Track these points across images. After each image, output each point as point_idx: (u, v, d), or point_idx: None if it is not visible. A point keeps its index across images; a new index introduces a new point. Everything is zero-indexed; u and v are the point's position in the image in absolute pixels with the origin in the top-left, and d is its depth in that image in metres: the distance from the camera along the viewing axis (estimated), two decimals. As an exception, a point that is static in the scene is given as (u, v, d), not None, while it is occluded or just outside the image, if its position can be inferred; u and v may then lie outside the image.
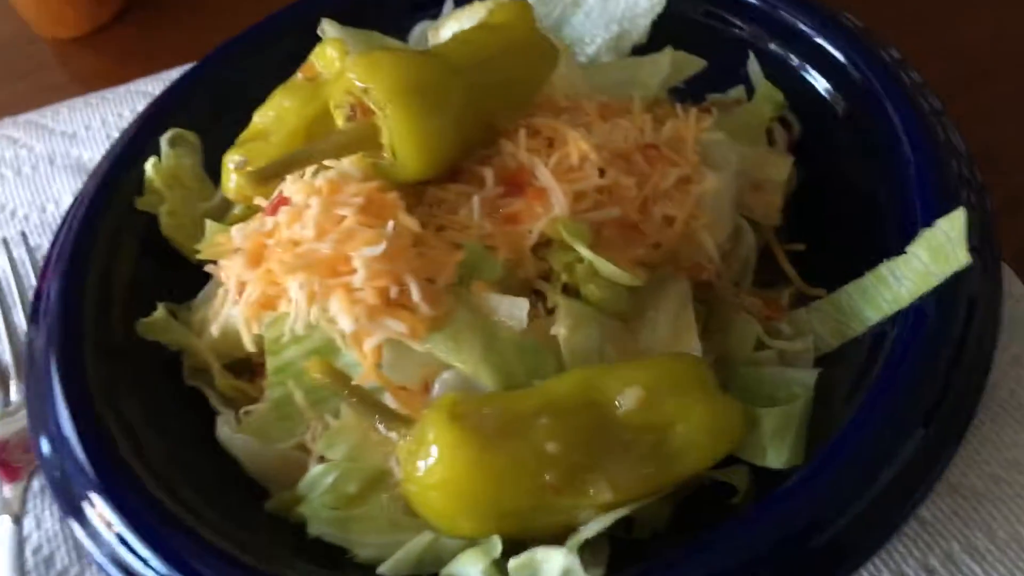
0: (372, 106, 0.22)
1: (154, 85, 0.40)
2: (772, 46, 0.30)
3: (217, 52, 0.32)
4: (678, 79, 0.29)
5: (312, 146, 0.24)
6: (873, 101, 0.26)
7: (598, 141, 0.23)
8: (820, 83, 0.28)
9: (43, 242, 0.34)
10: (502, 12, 0.25)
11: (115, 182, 0.29)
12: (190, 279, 0.29)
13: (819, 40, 0.28)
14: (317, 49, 0.28)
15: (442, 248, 0.22)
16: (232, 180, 0.27)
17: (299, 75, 0.29)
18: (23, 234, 0.34)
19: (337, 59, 0.27)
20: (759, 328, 0.24)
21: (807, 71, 0.29)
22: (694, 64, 0.29)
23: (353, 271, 0.21)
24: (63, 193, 0.36)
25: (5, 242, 0.34)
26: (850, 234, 0.26)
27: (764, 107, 0.28)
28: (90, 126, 0.38)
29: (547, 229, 0.22)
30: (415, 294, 0.21)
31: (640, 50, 0.31)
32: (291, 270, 0.22)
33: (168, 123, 0.30)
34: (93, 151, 0.37)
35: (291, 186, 0.24)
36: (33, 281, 0.32)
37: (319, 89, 0.27)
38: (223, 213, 0.29)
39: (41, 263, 0.33)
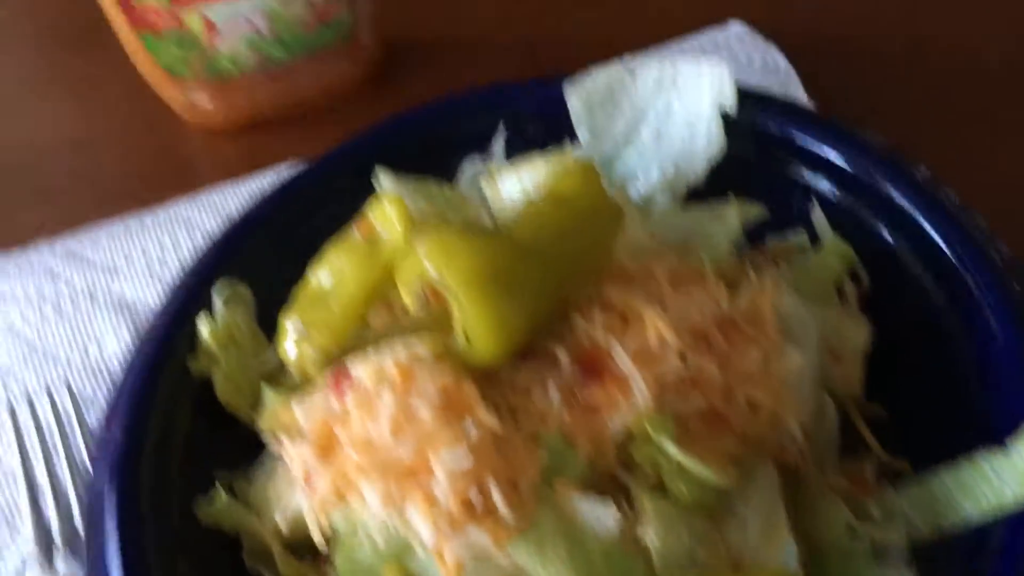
0: (444, 292, 0.22)
1: (192, 210, 0.39)
2: (834, 192, 0.29)
3: (266, 198, 0.32)
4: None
5: (383, 328, 0.23)
6: (947, 262, 0.26)
7: (675, 318, 0.23)
8: (886, 234, 0.28)
9: (85, 386, 0.34)
10: (569, 178, 0.25)
11: (169, 345, 0.28)
12: (244, 440, 0.28)
13: (885, 189, 0.28)
14: (375, 205, 0.28)
15: (522, 445, 0.21)
16: (291, 348, 0.27)
17: (355, 232, 0.28)
18: (68, 384, 0.33)
19: (397, 221, 0.27)
20: (847, 512, 0.23)
21: (872, 221, 0.28)
22: (755, 213, 0.29)
23: (433, 475, 0.20)
24: (105, 333, 0.35)
25: (48, 391, 0.33)
26: (930, 400, 0.25)
27: (833, 261, 0.27)
28: (130, 257, 0.37)
29: (631, 423, 0.22)
30: (498, 500, 0.20)
31: (697, 191, 0.31)
32: (367, 473, 0.21)
33: (220, 273, 0.30)
34: (135, 286, 0.36)
35: (359, 366, 0.23)
36: (79, 435, 0.31)
37: (378, 251, 0.27)
38: (278, 373, 0.29)
39: (86, 412, 0.32)
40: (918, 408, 0.26)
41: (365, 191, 0.32)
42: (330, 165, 0.33)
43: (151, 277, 0.37)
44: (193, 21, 0.39)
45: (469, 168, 0.33)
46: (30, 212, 0.43)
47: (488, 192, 0.29)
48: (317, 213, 0.32)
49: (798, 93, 0.39)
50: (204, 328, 0.28)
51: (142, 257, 0.37)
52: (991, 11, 0.44)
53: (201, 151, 0.45)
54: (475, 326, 0.22)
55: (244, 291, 0.30)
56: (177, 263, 0.37)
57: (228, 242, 0.31)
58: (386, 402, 0.22)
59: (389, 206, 0.27)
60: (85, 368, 0.34)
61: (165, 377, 0.27)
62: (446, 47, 0.46)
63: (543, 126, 0.33)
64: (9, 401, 0.33)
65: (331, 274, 0.27)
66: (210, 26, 0.40)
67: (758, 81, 0.39)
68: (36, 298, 0.37)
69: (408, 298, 0.23)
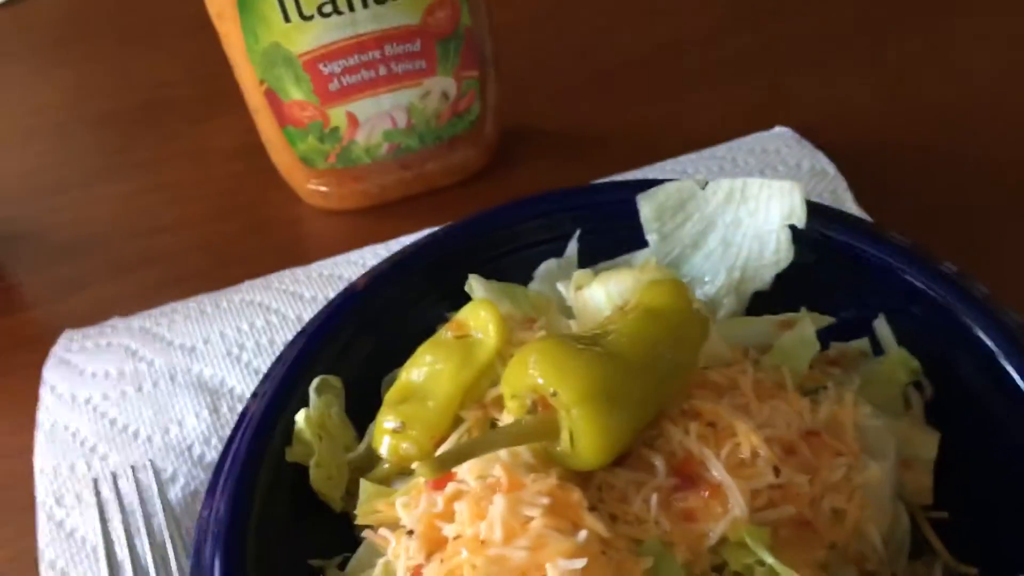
0: (555, 404, 0.24)
1: (265, 295, 0.41)
2: (894, 302, 0.31)
3: (349, 294, 0.34)
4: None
5: (491, 435, 0.25)
6: (1005, 373, 0.28)
7: (764, 430, 0.24)
8: (946, 344, 0.30)
9: (166, 464, 0.35)
10: (660, 294, 0.27)
11: (268, 434, 0.29)
12: (335, 527, 0.29)
13: (944, 300, 0.30)
14: (468, 309, 0.30)
15: (626, 552, 0.23)
16: (389, 443, 0.28)
17: (448, 332, 0.30)
18: (151, 463, 0.34)
19: (492, 326, 0.28)
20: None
21: (932, 331, 0.30)
22: (826, 323, 0.30)
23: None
24: (186, 414, 0.36)
25: (132, 468, 0.34)
26: (995, 506, 0.27)
27: (899, 370, 0.29)
28: (209, 340, 0.39)
29: (727, 531, 0.23)
30: (608, 603, 0.21)
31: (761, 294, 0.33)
32: (479, 572, 0.22)
33: (312, 365, 0.31)
34: (214, 368, 0.38)
35: (466, 468, 0.25)
36: (160, 512, 0.33)
37: (473, 354, 0.28)
38: (368, 463, 0.30)
39: (168, 491, 0.34)
40: (983, 514, 0.27)
41: (446, 288, 0.35)
42: (412, 262, 0.35)
43: (229, 359, 0.38)
44: (338, 116, 0.42)
45: (545, 269, 0.35)
46: (106, 287, 0.45)
47: (572, 298, 0.31)
48: (400, 308, 0.34)
49: (846, 198, 0.41)
50: (301, 419, 0.30)
51: (220, 342, 0.39)
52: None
53: (315, 229, 0.47)
54: (584, 436, 0.23)
55: (335, 383, 0.31)
56: (254, 345, 0.39)
57: (320, 336, 0.32)
58: (498, 505, 0.23)
59: (484, 312, 0.29)
60: (166, 446, 0.36)
61: (265, 465, 0.29)
62: (552, 136, 0.50)
63: (615, 229, 0.35)
64: (93, 477, 0.34)
65: (426, 372, 0.29)
66: (352, 120, 0.42)
67: (808, 185, 0.42)
68: (117, 377, 0.38)
69: (514, 405, 0.25)
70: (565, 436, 0.24)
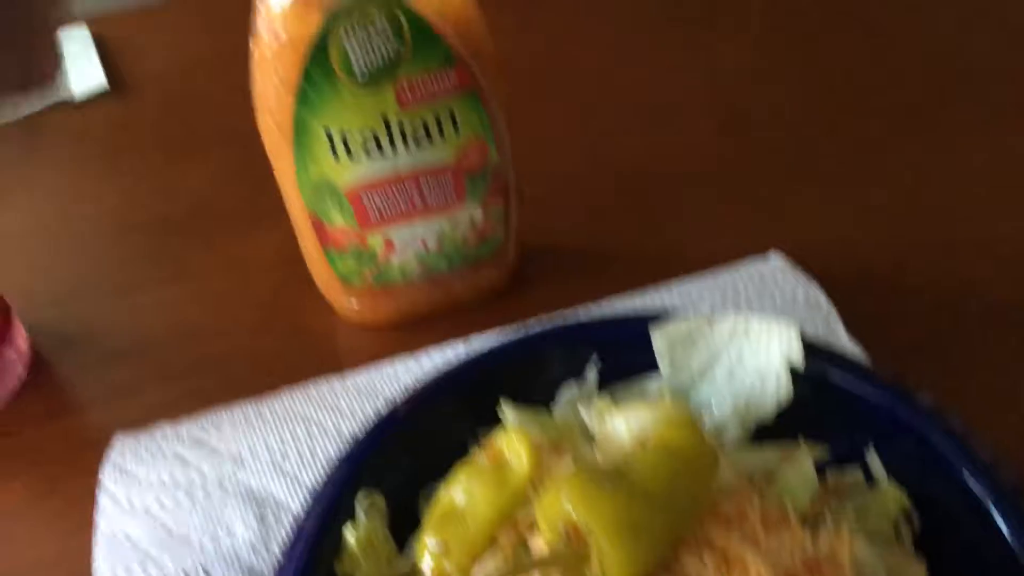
0: (587, 534, 0.27)
1: (305, 406, 0.45)
2: (885, 437, 0.35)
3: (390, 417, 0.37)
4: (807, 465, 0.34)
5: (528, 560, 0.28)
6: (986, 510, 0.31)
7: (771, 561, 0.28)
8: (931, 478, 0.33)
9: (217, 573, 0.38)
10: (677, 431, 0.30)
11: (318, 549, 0.33)
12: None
13: (929, 438, 0.33)
14: (502, 436, 0.33)
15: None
16: (431, 563, 0.31)
17: (483, 457, 0.33)
18: (205, 570, 0.37)
19: (525, 454, 0.32)
20: None
21: (918, 465, 0.33)
22: (821, 454, 0.34)
23: None
24: (234, 522, 0.39)
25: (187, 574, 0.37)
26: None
27: (890, 504, 0.32)
28: (254, 449, 0.42)
29: (740, 655, 0.26)
30: None
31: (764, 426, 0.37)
32: None
33: (359, 481, 0.35)
34: (260, 478, 0.41)
35: (503, 591, 0.28)
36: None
37: (508, 479, 0.32)
38: (408, 578, 0.33)
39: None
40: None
41: (477, 408, 0.38)
42: (446, 386, 0.38)
43: (273, 468, 0.41)
44: (376, 241, 0.46)
45: (567, 393, 0.38)
46: (155, 392, 0.49)
47: (594, 426, 0.34)
48: (435, 428, 0.38)
49: (838, 329, 0.45)
50: (350, 535, 0.33)
51: (265, 450, 0.42)
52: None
53: (348, 340, 0.51)
54: (613, 565, 0.26)
55: (380, 500, 0.35)
56: (296, 456, 0.42)
57: (365, 456, 0.36)
58: (536, 627, 0.26)
59: (517, 440, 0.33)
60: (217, 555, 0.38)
61: (318, 578, 0.32)
62: (563, 256, 0.55)
63: (631, 356, 0.39)
64: (150, 583, 0.37)
65: (464, 495, 0.32)
66: (389, 244, 0.47)
67: (802, 317, 0.46)
68: (170, 484, 0.41)
69: (548, 532, 0.28)
70: (595, 563, 0.27)
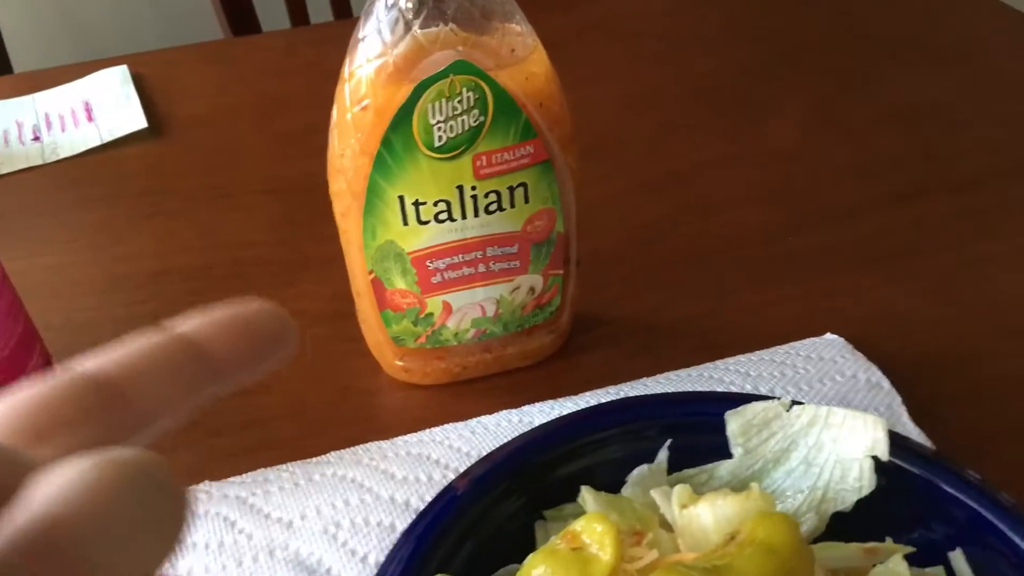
0: (691, 639, 0.26)
1: (356, 471, 0.43)
2: (968, 535, 0.34)
3: (450, 497, 0.36)
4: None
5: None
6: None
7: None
8: (1018, 579, 0.33)
9: (268, 645, 0.36)
10: (773, 528, 0.29)
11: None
12: None
13: (1012, 539, 0.33)
14: (584, 522, 0.32)
15: None
16: (511, 651, 0.30)
17: (561, 543, 0.32)
18: (259, 643, 0.36)
19: (609, 541, 0.31)
20: None
21: (1005, 569, 0.33)
22: (905, 551, 0.33)
23: None
24: (287, 592, 0.38)
25: (239, 649, 0.36)
26: None
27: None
28: (305, 516, 0.41)
29: None
30: None
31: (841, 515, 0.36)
32: None
33: (424, 569, 0.34)
34: (312, 545, 0.40)
35: None
36: None
37: (589, 566, 0.31)
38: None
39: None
40: None
41: (538, 489, 0.37)
42: (507, 465, 0.37)
43: (325, 537, 0.40)
44: (434, 304, 0.46)
45: (638, 475, 0.38)
46: (197, 447, 0.48)
47: (676, 515, 0.34)
48: (496, 509, 0.37)
49: (901, 412, 0.44)
50: (425, 619, 0.32)
51: (317, 518, 0.41)
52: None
53: (396, 401, 0.50)
54: (719, 672, 0.25)
55: (451, 582, 0.34)
56: (349, 524, 0.41)
57: (427, 537, 0.35)
58: None
59: (600, 526, 0.32)
60: (268, 626, 0.37)
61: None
62: (616, 325, 0.54)
63: (700, 439, 0.38)
64: (199, 656, 0.36)
65: (545, 582, 0.31)
66: (447, 308, 0.46)
67: (864, 398, 0.45)
68: (217, 549, 0.40)
69: (644, 629, 0.27)
70: (697, 668, 0.26)
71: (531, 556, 0.33)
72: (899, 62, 0.80)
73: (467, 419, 0.47)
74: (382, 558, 0.39)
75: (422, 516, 0.35)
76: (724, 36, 0.86)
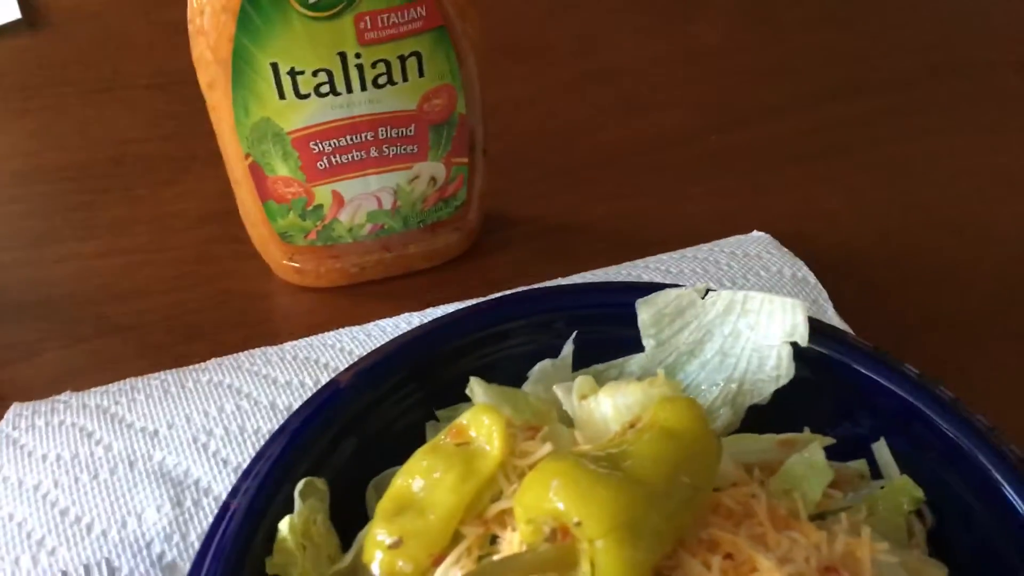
0: (577, 534, 0.23)
1: (235, 376, 0.39)
2: (892, 426, 0.31)
3: (333, 389, 0.32)
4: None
5: (504, 562, 0.23)
6: (1005, 498, 0.28)
7: (785, 566, 0.24)
8: (942, 470, 0.30)
9: (122, 563, 0.32)
10: (677, 413, 0.26)
11: (247, 542, 0.27)
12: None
13: (946, 431, 0.30)
14: (470, 415, 0.29)
15: None
16: (381, 558, 0.26)
17: (446, 438, 0.29)
18: (107, 561, 0.32)
19: (497, 436, 0.27)
20: None
21: (932, 459, 0.30)
22: (824, 443, 0.30)
23: None
24: (146, 506, 0.34)
25: (87, 568, 0.31)
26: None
27: (903, 500, 0.29)
28: (173, 424, 0.37)
29: (753, 675, 0.22)
30: None
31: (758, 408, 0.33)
32: None
33: (297, 466, 0.30)
34: (178, 456, 0.35)
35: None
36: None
37: (475, 462, 0.27)
38: (351, 574, 0.28)
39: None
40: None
41: (433, 385, 0.34)
42: (399, 358, 0.33)
43: (195, 446, 0.36)
44: (323, 194, 0.41)
45: (540, 370, 0.34)
46: (58, 356, 0.43)
47: (575, 407, 0.30)
48: (385, 406, 0.33)
49: (827, 308, 0.42)
50: (285, 527, 0.28)
51: (185, 425, 0.37)
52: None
53: (286, 306, 0.46)
54: (608, 570, 0.22)
55: (321, 485, 0.30)
56: (223, 432, 0.36)
57: (304, 432, 0.30)
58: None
59: (487, 419, 0.28)
60: (122, 542, 0.33)
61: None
62: (529, 225, 0.50)
63: (609, 331, 0.34)
64: (39, 575, 0.32)
65: (424, 482, 0.28)
66: (337, 199, 0.41)
67: (788, 293, 0.42)
68: (70, 461, 0.35)
69: (528, 529, 0.24)
70: (586, 568, 0.22)
71: (415, 453, 0.29)
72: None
73: (364, 323, 0.43)
74: (256, 467, 0.35)
75: (299, 411, 0.31)
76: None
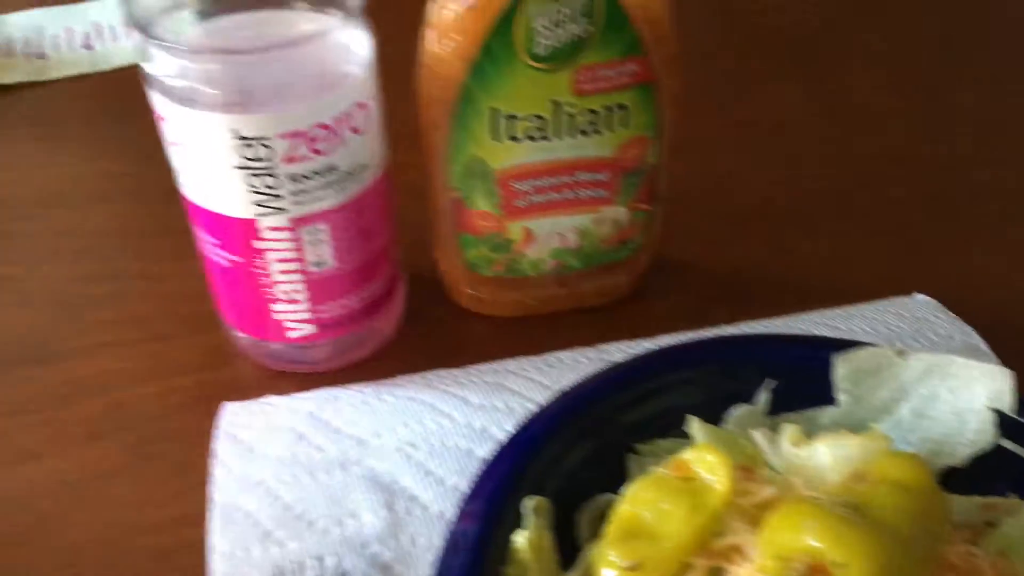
0: (835, 573, 0.24)
1: (429, 395, 0.42)
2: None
3: (554, 413, 0.34)
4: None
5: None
6: None
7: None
8: None
9: (344, 562, 0.35)
10: (906, 467, 0.28)
11: (485, 552, 0.30)
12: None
13: None
14: (694, 452, 0.31)
15: None
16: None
17: (669, 472, 0.31)
18: (338, 559, 0.34)
19: (723, 475, 0.29)
20: None
21: None
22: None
23: None
24: (361, 508, 0.37)
25: (320, 562, 0.34)
26: None
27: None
28: (380, 434, 0.40)
29: None
30: None
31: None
32: None
33: (522, 486, 0.32)
34: (387, 464, 0.38)
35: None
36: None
37: (702, 497, 0.29)
38: (576, 590, 0.31)
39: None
40: None
41: (636, 419, 0.36)
42: (605, 388, 0.36)
43: (401, 456, 0.39)
44: (515, 230, 0.44)
45: (737, 415, 0.36)
46: (248, 366, 0.46)
47: (788, 453, 0.32)
48: (594, 434, 0.35)
49: (999, 377, 0.42)
50: (522, 539, 0.30)
51: (392, 437, 0.39)
52: None
53: (464, 330, 0.48)
54: (863, 609, 0.24)
55: (545, 504, 0.32)
56: (427, 446, 0.39)
57: (529, 453, 0.33)
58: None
59: (712, 457, 0.30)
60: (343, 540, 0.36)
61: (485, 584, 0.29)
62: (694, 271, 0.52)
63: (802, 383, 0.36)
64: (275, 564, 0.34)
65: (654, 511, 0.30)
66: (528, 235, 0.44)
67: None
68: (290, 460, 0.38)
69: (775, 565, 0.25)
70: (834, 606, 0.24)
71: (635, 483, 0.31)
72: (987, 27, 0.77)
73: (540, 353, 0.45)
74: (461, 481, 0.37)
75: (525, 435, 0.34)
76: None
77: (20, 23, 0.77)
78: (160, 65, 0.36)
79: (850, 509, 0.25)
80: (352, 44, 0.39)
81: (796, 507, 0.26)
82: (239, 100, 0.36)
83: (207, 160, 0.38)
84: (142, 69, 0.37)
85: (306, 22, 0.38)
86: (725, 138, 0.63)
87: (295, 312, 0.43)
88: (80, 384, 0.45)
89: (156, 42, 0.36)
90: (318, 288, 0.42)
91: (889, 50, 0.74)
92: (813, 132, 0.64)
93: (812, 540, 0.24)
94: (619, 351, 0.44)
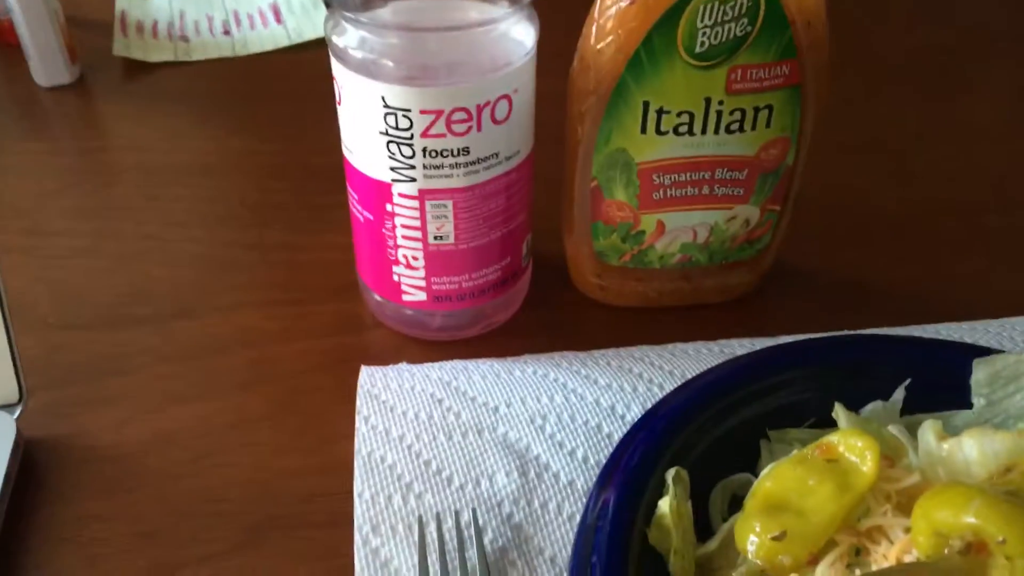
0: (995, 551, 0.25)
1: (558, 372, 0.43)
2: None
3: (700, 389, 0.36)
4: None
5: (915, 566, 0.26)
6: None
7: None
8: None
9: (479, 515, 0.37)
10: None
11: (634, 514, 0.31)
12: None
13: None
14: (841, 435, 0.31)
15: None
16: (760, 548, 0.29)
17: (815, 452, 0.32)
18: (474, 512, 0.36)
19: (871, 459, 0.30)
20: None
21: None
22: None
23: None
24: (496, 470, 0.38)
25: (455, 512, 0.36)
26: None
27: None
28: (511, 403, 0.41)
29: None
30: None
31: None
32: None
33: (664, 456, 0.33)
34: (519, 432, 0.40)
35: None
36: (477, 565, 0.34)
37: (849, 478, 0.30)
38: (710, 562, 0.32)
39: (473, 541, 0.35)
40: None
41: (774, 402, 0.37)
42: (737, 381, 0.37)
43: (532, 427, 0.40)
44: (648, 222, 0.45)
45: (871, 409, 0.36)
46: (386, 333, 0.48)
47: (934, 446, 0.32)
48: (727, 416, 0.36)
49: None
50: (665, 506, 0.31)
51: (522, 406, 0.41)
52: None
53: (586, 317, 0.50)
54: (1025, 586, 0.24)
55: (685, 475, 0.33)
56: (556, 419, 0.41)
57: (678, 424, 0.34)
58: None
59: (860, 442, 0.31)
60: (477, 498, 0.37)
61: (632, 549, 0.31)
62: (815, 276, 0.53)
63: (937, 385, 0.37)
64: (415, 514, 0.36)
65: (799, 488, 0.31)
66: (660, 228, 0.45)
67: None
68: (427, 420, 0.40)
69: (930, 542, 0.26)
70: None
71: (779, 462, 0.32)
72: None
73: (662, 343, 0.46)
74: (591, 455, 0.39)
75: (672, 409, 0.35)
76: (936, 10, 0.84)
77: (164, 7, 0.82)
78: (345, 37, 0.39)
79: (1008, 496, 0.26)
80: (517, 35, 0.41)
81: (954, 488, 0.26)
82: (406, 74, 0.39)
83: (362, 123, 0.40)
84: (329, 39, 0.40)
85: (477, 12, 0.40)
86: (851, 145, 0.64)
87: (411, 278, 0.45)
88: (227, 338, 0.47)
89: (346, 16, 0.38)
90: (435, 260, 0.44)
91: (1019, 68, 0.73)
92: (921, 152, 0.64)
93: (971, 518, 0.25)
94: (741, 347, 0.45)
